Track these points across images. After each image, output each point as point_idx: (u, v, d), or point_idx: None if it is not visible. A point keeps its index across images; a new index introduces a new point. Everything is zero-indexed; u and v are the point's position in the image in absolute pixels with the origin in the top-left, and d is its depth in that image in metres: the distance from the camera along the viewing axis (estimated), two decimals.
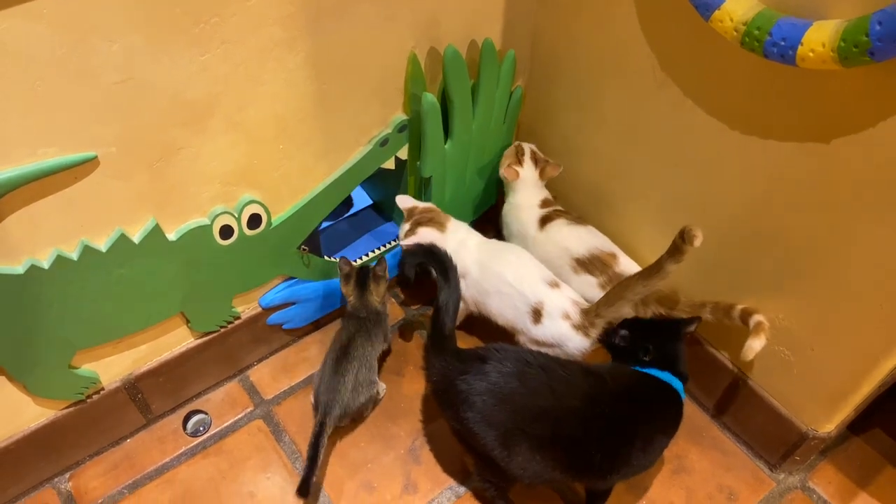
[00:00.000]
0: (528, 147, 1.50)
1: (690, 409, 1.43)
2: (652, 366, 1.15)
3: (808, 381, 1.20)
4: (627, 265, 1.39)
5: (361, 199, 1.71)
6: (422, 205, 1.43)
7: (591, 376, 1.13)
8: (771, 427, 1.30)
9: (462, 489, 1.30)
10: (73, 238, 1.02)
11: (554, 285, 1.34)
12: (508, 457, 1.10)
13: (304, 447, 1.35)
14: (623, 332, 1.18)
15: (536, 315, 1.31)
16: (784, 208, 1.09)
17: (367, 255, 1.53)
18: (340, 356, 1.31)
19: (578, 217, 1.46)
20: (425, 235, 1.37)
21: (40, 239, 0.99)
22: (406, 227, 1.42)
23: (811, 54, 0.87)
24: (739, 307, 1.24)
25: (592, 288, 1.37)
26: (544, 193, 1.51)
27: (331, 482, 1.31)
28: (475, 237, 1.44)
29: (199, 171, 1.09)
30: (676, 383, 1.15)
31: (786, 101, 1.01)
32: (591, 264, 1.37)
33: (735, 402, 1.35)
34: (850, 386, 1.14)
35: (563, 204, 1.54)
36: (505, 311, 1.36)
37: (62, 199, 0.97)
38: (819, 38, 0.86)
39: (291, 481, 1.31)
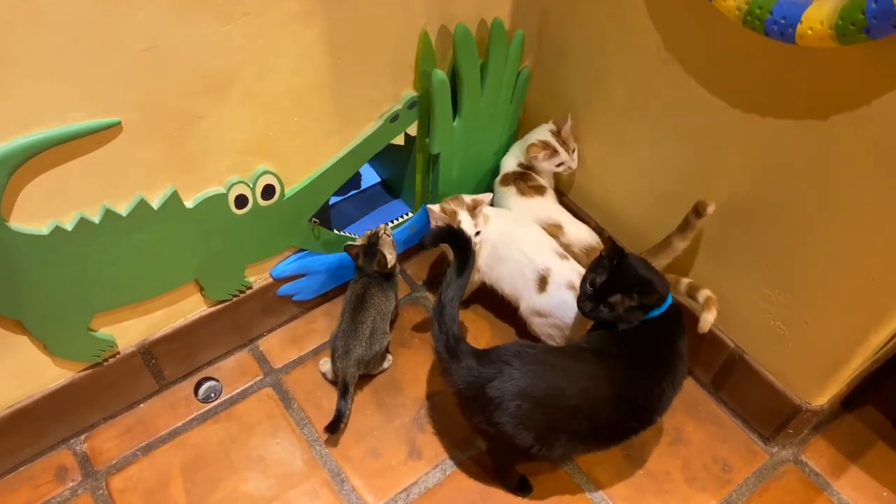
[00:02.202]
0: (565, 153, 1.49)
1: (688, 384, 1.47)
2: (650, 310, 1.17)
3: (802, 355, 1.24)
4: (574, 234, 1.46)
5: (370, 177, 1.74)
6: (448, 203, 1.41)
7: (605, 358, 1.17)
8: (765, 401, 1.34)
9: (465, 456, 1.35)
10: (96, 202, 1.06)
11: (563, 257, 1.38)
12: (549, 451, 1.13)
13: (312, 414, 1.39)
14: (615, 297, 1.15)
15: (542, 283, 1.35)
16: (781, 184, 1.13)
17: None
18: (358, 305, 1.36)
19: (534, 187, 1.51)
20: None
21: (65, 201, 1.03)
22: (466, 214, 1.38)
23: (810, 32, 0.91)
24: (686, 281, 1.31)
25: None
26: (547, 180, 1.57)
27: (338, 448, 1.35)
28: (490, 210, 1.46)
29: (217, 140, 1.13)
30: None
31: (785, 79, 1.05)
32: None
33: (731, 376, 1.39)
34: (843, 358, 1.18)
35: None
36: (514, 278, 1.40)
37: (86, 164, 1.00)
38: (817, 16, 0.89)
39: (300, 446, 1.35)
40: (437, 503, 1.29)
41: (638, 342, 1.17)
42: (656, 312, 1.17)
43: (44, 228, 1.03)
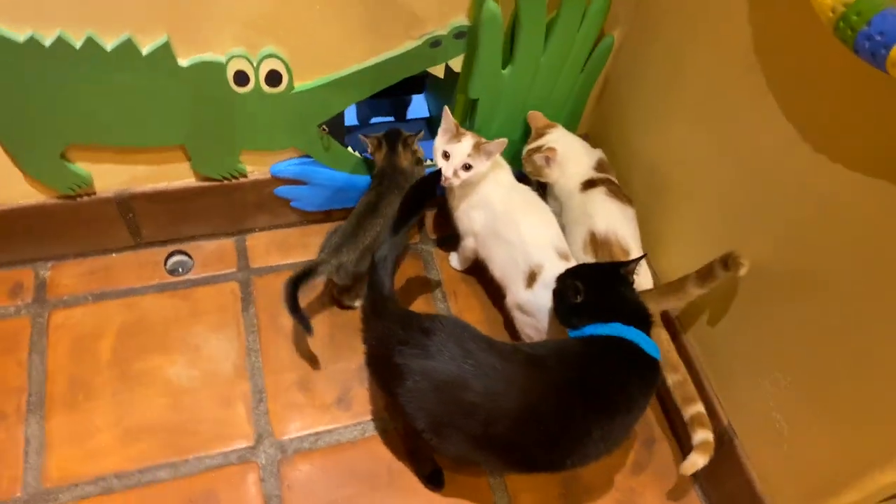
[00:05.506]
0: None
1: (666, 448, 1.26)
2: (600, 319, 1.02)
3: (795, 464, 1.01)
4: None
5: (420, 110, 1.61)
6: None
7: (534, 369, 1.00)
8: (740, 498, 1.12)
9: (391, 425, 1.23)
10: (81, 26, 1.00)
11: (563, 257, 1.21)
12: (440, 442, 1.00)
13: (264, 324, 1.33)
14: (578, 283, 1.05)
15: (531, 278, 1.20)
16: (829, 250, 0.89)
17: None
18: (368, 212, 1.27)
19: (624, 195, 1.30)
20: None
21: (47, 14, 0.98)
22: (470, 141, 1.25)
23: None
24: (695, 409, 1.12)
25: None
26: (597, 154, 1.37)
27: (272, 366, 1.28)
28: (509, 177, 1.32)
29: (224, 3, 1.04)
30: (635, 334, 1.01)
31: (867, 116, 0.81)
32: (600, 246, 1.22)
33: (716, 456, 1.16)
34: (835, 487, 0.94)
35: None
36: (505, 263, 1.26)
37: None
38: None
39: (237, 351, 1.29)
40: (342, 460, 1.18)
41: (583, 367, 0.99)
42: (604, 331, 1.00)
43: (20, 35, 0.98)
